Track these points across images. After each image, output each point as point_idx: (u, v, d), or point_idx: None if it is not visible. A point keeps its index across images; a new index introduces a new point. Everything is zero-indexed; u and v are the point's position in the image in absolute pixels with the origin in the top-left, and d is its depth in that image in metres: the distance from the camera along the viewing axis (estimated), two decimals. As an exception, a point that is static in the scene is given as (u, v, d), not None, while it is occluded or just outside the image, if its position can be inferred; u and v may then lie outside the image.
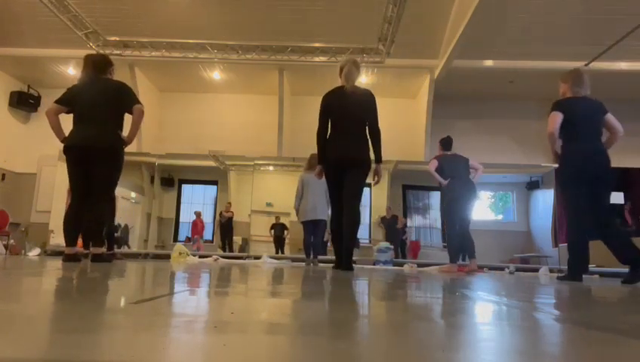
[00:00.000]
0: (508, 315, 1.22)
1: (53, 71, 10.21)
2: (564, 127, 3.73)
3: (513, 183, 10.83)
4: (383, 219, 10.16)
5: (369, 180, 4.15)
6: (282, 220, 10.30)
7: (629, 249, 3.55)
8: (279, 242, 10.26)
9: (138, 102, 3.93)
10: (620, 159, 10.08)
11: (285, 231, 10.31)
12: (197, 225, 10.83)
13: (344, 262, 3.81)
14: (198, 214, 10.87)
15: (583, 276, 3.80)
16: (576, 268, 3.67)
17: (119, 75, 10.97)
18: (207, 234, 11.08)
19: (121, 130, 3.98)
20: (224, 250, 9.98)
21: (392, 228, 9.96)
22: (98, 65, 4.07)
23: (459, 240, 5.78)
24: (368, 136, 4.00)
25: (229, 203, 10.53)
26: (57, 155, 9.88)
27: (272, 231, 10.27)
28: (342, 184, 3.99)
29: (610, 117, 3.77)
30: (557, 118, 3.72)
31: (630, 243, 3.58)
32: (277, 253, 9.88)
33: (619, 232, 3.80)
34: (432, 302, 1.49)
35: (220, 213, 10.37)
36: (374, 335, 0.78)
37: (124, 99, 3.92)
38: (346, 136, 3.95)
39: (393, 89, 10.51)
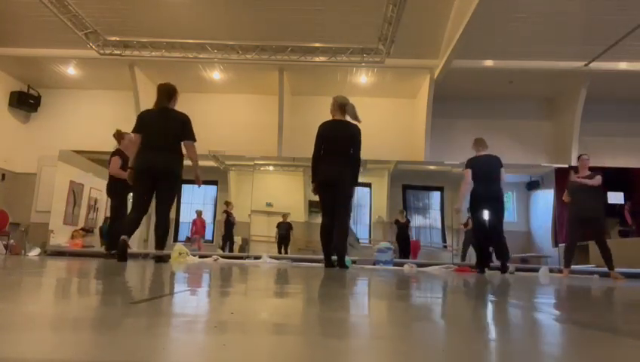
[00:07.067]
0: (508, 315, 1.22)
1: (53, 71, 10.20)
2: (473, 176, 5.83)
3: (513, 183, 10.80)
4: (396, 221, 10.06)
5: None
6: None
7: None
8: (283, 241, 10.18)
9: (193, 138, 4.58)
10: (619, 159, 10.15)
11: (290, 231, 10.26)
12: (197, 224, 10.80)
13: (339, 263, 4.52)
14: (199, 213, 10.86)
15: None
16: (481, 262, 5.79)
17: (119, 74, 10.92)
18: (207, 234, 11.06)
19: (181, 155, 4.58)
20: (224, 250, 9.97)
21: (403, 232, 9.93)
22: (165, 94, 4.80)
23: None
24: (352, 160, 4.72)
25: (231, 202, 10.52)
26: (57, 156, 9.89)
27: (277, 229, 10.21)
28: (330, 198, 4.60)
29: (502, 170, 5.92)
30: (468, 173, 5.87)
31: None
32: (279, 252, 9.82)
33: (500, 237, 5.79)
34: (432, 302, 1.49)
35: (226, 212, 10.33)
36: (375, 335, 0.78)
37: (185, 132, 4.56)
38: (331, 161, 4.63)
39: (393, 89, 10.49)
